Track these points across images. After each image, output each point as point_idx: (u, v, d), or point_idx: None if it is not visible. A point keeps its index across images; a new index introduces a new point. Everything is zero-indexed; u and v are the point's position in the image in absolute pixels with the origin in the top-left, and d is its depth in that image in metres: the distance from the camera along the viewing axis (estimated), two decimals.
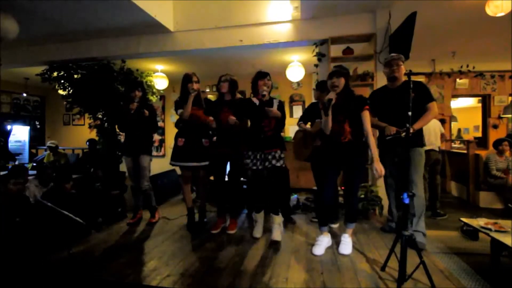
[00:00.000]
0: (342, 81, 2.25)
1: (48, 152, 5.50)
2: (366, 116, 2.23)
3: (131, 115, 3.03)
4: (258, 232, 2.70)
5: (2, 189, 2.54)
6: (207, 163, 2.91)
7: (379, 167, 2.13)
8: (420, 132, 2.46)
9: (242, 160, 2.70)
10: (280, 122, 2.62)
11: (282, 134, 2.84)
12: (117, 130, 4.66)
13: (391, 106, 2.44)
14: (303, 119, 2.96)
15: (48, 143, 5.53)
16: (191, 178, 3.06)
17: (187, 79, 2.86)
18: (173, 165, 2.96)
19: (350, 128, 2.25)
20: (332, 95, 2.22)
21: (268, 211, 2.84)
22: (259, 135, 2.56)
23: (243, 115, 2.72)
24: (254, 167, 2.60)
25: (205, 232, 2.84)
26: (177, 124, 3.02)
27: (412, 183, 2.35)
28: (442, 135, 4.14)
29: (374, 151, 2.19)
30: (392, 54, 2.54)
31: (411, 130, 2.14)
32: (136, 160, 3.11)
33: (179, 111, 2.85)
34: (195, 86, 2.83)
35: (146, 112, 3.02)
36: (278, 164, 2.55)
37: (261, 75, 2.59)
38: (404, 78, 2.51)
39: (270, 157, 2.55)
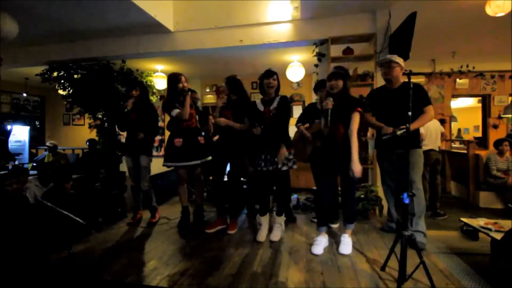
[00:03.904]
0: (340, 83, 2.25)
1: (47, 152, 5.50)
2: (355, 118, 2.21)
3: (128, 113, 3.03)
4: (262, 236, 2.64)
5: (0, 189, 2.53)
6: (205, 159, 2.92)
7: (356, 168, 2.13)
8: (416, 133, 2.46)
9: (243, 160, 2.70)
10: (281, 121, 2.59)
11: None
12: (117, 130, 4.67)
13: (389, 106, 2.44)
14: (301, 120, 2.96)
15: (47, 143, 5.54)
16: (187, 178, 3.06)
17: (175, 79, 2.86)
18: (168, 166, 2.96)
19: (345, 129, 2.25)
20: (329, 104, 2.22)
21: (271, 212, 2.84)
22: (260, 137, 2.55)
23: (244, 116, 2.72)
24: (259, 168, 2.59)
25: (204, 232, 2.84)
26: (169, 126, 3.02)
27: (411, 183, 2.34)
28: (442, 134, 4.14)
29: (355, 151, 2.16)
30: (386, 56, 2.51)
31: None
32: (136, 160, 3.11)
33: (175, 111, 2.83)
34: (187, 85, 2.85)
35: (141, 134, 3.03)
36: (285, 168, 2.54)
37: (266, 75, 2.58)
38: (403, 79, 2.49)
39: (276, 159, 2.54)
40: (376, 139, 2.67)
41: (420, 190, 2.42)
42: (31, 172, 3.56)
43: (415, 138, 2.47)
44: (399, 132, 2.06)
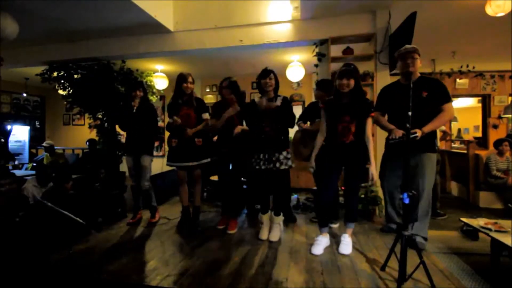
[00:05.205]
0: (352, 82, 2.20)
1: (46, 153, 5.50)
2: (370, 123, 2.23)
3: (133, 113, 3.04)
4: (264, 234, 2.64)
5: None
6: (202, 161, 2.92)
7: (374, 172, 2.20)
8: (432, 135, 2.28)
9: (244, 160, 2.70)
10: (285, 122, 2.59)
11: None
12: (118, 130, 4.67)
13: (404, 103, 2.13)
14: (302, 119, 2.96)
15: (43, 143, 5.52)
16: (187, 178, 3.06)
17: (182, 79, 2.85)
18: (169, 165, 2.98)
19: (355, 129, 2.24)
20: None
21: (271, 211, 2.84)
22: (260, 136, 2.54)
23: (244, 116, 2.72)
24: (257, 167, 2.58)
25: (205, 232, 2.84)
26: (168, 127, 3.02)
27: (421, 191, 2.28)
28: (445, 133, 4.13)
29: (372, 156, 2.23)
30: (407, 46, 2.31)
31: (420, 134, 2.08)
32: (137, 160, 3.12)
33: (170, 120, 2.87)
34: (190, 86, 2.85)
35: (157, 142, 3.06)
36: (283, 167, 2.53)
37: (262, 75, 2.56)
38: (418, 74, 2.34)
39: (274, 159, 2.53)
40: (386, 141, 2.52)
41: (428, 197, 2.35)
42: (31, 172, 3.56)
43: (431, 140, 2.28)
44: (405, 138, 1.90)
